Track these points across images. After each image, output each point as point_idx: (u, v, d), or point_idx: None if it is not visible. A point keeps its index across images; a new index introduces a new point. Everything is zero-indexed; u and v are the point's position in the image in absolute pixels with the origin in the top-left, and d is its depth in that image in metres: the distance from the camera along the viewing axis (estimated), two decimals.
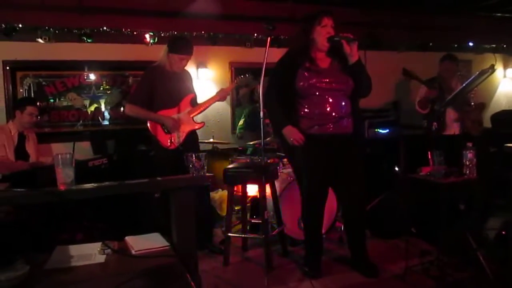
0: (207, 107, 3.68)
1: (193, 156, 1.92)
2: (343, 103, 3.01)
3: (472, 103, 4.22)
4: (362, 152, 3.13)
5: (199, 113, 3.62)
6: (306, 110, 3.01)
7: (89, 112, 4.79)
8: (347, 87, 3.01)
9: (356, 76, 2.98)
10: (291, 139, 2.96)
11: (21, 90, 4.54)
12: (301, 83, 2.97)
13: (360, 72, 2.95)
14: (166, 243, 1.95)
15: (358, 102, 3.16)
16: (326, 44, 2.96)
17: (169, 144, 3.45)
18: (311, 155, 2.98)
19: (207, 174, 1.96)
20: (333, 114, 2.97)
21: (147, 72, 3.58)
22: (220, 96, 3.67)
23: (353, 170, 3.06)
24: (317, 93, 2.97)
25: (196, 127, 3.60)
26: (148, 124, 3.49)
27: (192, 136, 3.59)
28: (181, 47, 3.43)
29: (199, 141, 3.82)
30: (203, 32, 4.78)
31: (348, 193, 3.11)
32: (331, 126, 2.97)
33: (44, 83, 4.61)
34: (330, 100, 2.98)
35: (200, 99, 3.73)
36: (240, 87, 4.27)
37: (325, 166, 3.02)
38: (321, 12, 2.97)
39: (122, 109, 4.83)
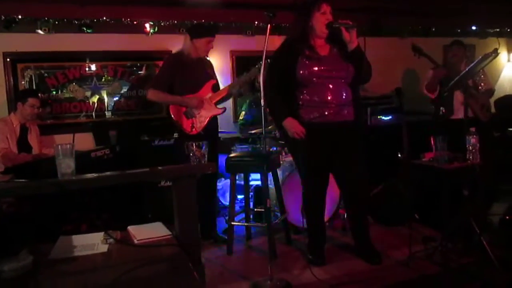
0: (226, 95, 3.70)
1: (194, 144, 1.91)
2: (344, 91, 2.99)
3: (481, 87, 4.18)
4: (363, 139, 3.11)
5: (220, 98, 3.64)
6: (306, 98, 2.99)
7: (91, 103, 4.79)
8: (348, 74, 2.99)
9: (356, 63, 2.95)
10: (292, 131, 2.95)
11: (22, 82, 4.53)
12: (302, 71, 2.95)
13: (360, 59, 2.92)
14: (169, 232, 1.95)
15: (359, 90, 3.14)
16: (325, 30, 2.93)
17: (191, 129, 3.47)
18: (311, 143, 2.96)
19: (208, 162, 1.95)
20: (334, 101, 2.95)
21: (168, 59, 3.73)
22: (232, 88, 3.69)
23: (353, 157, 3.05)
24: (318, 81, 2.95)
25: (218, 112, 3.62)
26: (171, 111, 3.52)
27: (214, 122, 3.62)
28: (206, 30, 3.56)
29: None
30: (203, 20, 4.74)
31: (349, 181, 3.09)
32: (332, 113, 2.95)
33: (46, 74, 4.60)
34: (331, 87, 2.96)
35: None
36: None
37: (325, 154, 3.01)
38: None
39: (122, 99, 4.86)
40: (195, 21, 4.66)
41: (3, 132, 3.78)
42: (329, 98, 2.95)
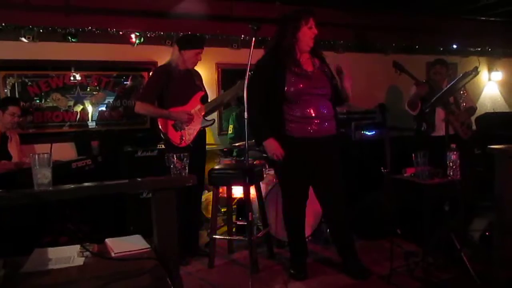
0: (214, 107, 3.71)
1: (174, 156, 1.89)
2: (326, 106, 3.03)
3: (463, 104, 4.24)
4: (341, 153, 3.15)
5: (209, 111, 3.63)
6: (290, 113, 2.98)
7: (74, 112, 4.73)
8: (331, 91, 3.05)
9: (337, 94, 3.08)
10: (272, 153, 2.95)
11: (5, 90, 4.46)
12: (289, 89, 2.93)
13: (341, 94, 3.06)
14: (147, 245, 1.91)
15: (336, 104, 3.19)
16: (311, 44, 2.96)
17: (180, 141, 3.43)
18: (292, 158, 2.97)
19: (189, 175, 1.93)
20: (318, 117, 2.97)
21: (156, 71, 3.71)
22: (220, 101, 3.76)
23: (334, 172, 3.07)
24: (303, 98, 2.96)
25: (207, 124, 3.60)
26: (159, 123, 3.49)
27: (202, 134, 3.60)
28: (195, 42, 3.52)
29: None
30: (189, 32, 4.74)
31: (330, 195, 3.09)
32: (316, 129, 2.97)
33: (29, 83, 4.54)
34: (315, 103, 2.98)
35: None
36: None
37: (306, 169, 3.02)
38: (307, 12, 2.94)
39: (106, 109, 4.83)
40: (181, 33, 4.66)
41: None
42: (313, 114, 2.97)
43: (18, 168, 3.61)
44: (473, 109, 4.38)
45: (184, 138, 3.44)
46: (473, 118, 4.59)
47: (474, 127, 4.57)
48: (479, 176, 4.12)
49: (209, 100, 3.70)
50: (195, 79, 3.63)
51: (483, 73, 6.78)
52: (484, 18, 6.01)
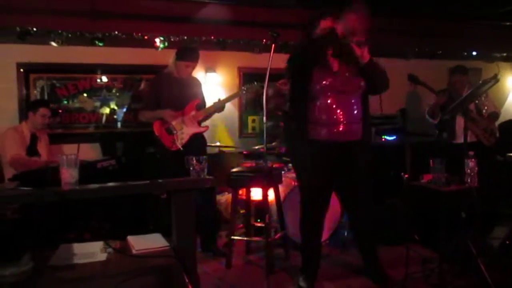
0: (209, 113, 3.76)
1: (194, 159, 1.97)
2: (355, 108, 2.89)
3: (484, 111, 4.19)
4: (370, 158, 3.03)
5: (203, 117, 3.72)
6: (315, 115, 2.87)
7: (100, 114, 4.89)
8: (359, 89, 2.90)
9: (368, 77, 2.88)
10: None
11: (34, 92, 4.66)
12: (314, 85, 2.84)
13: (373, 72, 2.85)
14: (167, 244, 2.00)
15: (369, 107, 3.02)
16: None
17: (171, 145, 3.57)
18: (316, 162, 2.88)
19: (208, 177, 2.01)
20: (344, 119, 2.84)
21: (154, 79, 3.88)
22: (215, 108, 3.73)
23: (360, 177, 2.97)
24: (329, 96, 2.84)
25: (201, 130, 3.69)
26: (153, 126, 3.65)
27: (198, 139, 3.68)
28: (187, 54, 3.61)
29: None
30: (212, 37, 4.85)
31: (356, 202, 3.03)
32: (341, 132, 2.84)
33: (57, 85, 4.72)
34: (341, 104, 2.84)
35: (208, 103, 3.82)
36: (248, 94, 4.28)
37: (329, 174, 2.91)
38: (321, 15, 2.97)
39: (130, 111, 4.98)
40: (204, 37, 4.78)
41: (15, 139, 3.88)
42: (339, 115, 2.83)
43: (48, 166, 3.77)
44: (496, 114, 4.32)
45: (175, 142, 3.58)
46: (497, 124, 4.51)
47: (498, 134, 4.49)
48: (501, 183, 4.07)
49: (206, 107, 3.76)
50: (193, 87, 3.74)
51: (508, 79, 6.65)
52: (508, 24, 5.91)
